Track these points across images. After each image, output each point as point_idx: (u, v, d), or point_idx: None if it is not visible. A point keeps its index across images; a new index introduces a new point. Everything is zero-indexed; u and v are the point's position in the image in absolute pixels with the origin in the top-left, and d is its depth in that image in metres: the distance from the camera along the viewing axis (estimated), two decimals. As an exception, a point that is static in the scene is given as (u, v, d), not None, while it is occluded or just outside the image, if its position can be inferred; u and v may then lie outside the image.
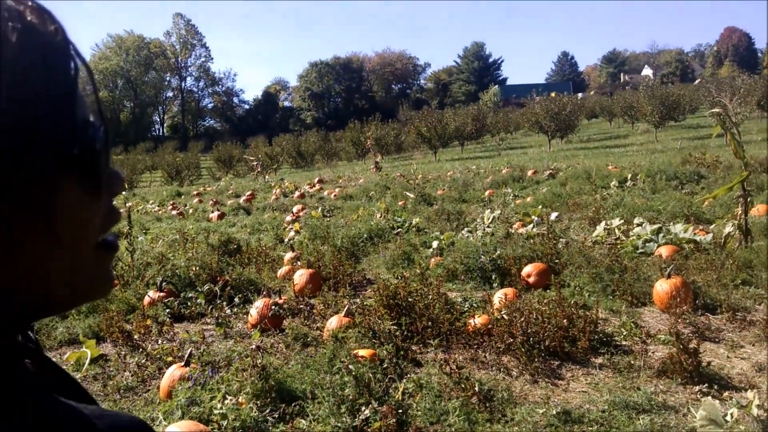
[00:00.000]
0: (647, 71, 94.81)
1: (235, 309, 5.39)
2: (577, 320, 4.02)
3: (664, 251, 5.75)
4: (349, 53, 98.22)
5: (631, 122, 36.70)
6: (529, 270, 5.48)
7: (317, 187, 18.49)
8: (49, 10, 0.51)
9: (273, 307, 4.80)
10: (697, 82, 55.15)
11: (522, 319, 3.91)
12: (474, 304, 4.84)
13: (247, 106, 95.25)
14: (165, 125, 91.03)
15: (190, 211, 14.91)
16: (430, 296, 4.44)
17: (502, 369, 3.80)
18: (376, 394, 3.23)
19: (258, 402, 3.21)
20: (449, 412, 3.06)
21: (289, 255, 7.01)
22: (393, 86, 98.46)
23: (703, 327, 4.21)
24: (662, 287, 4.57)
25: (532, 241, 6.36)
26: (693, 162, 13.12)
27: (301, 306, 5.19)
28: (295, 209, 12.66)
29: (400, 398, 3.20)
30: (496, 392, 3.32)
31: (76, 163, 0.50)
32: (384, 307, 4.39)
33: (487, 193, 12.43)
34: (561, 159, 20.38)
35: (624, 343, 4.06)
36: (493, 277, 5.67)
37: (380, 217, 9.30)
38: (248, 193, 17.70)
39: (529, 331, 3.86)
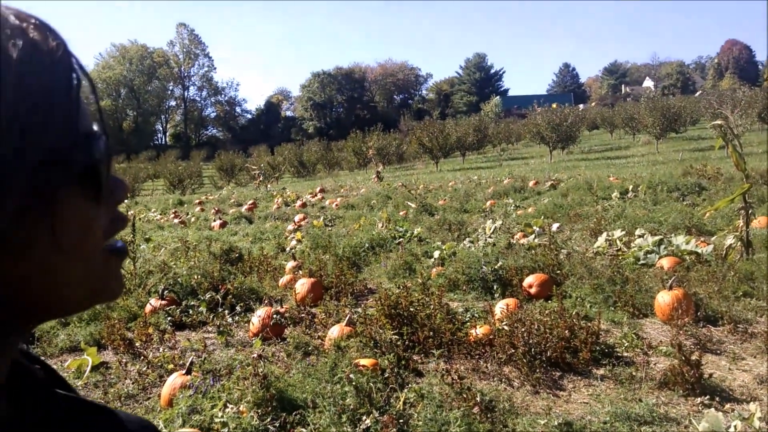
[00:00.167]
0: (648, 83, 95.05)
1: (237, 317, 5.40)
2: (579, 331, 4.02)
3: (666, 263, 5.75)
4: (351, 63, 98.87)
5: (632, 134, 36.78)
6: (531, 281, 5.48)
7: (319, 196, 18.52)
8: (51, 26, 0.52)
9: (274, 315, 4.81)
10: (698, 94, 55.24)
11: (524, 329, 3.91)
12: (475, 315, 4.84)
13: (249, 116, 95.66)
14: (167, 134, 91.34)
15: (192, 219, 14.93)
16: (432, 306, 4.45)
17: (503, 379, 3.80)
18: (377, 403, 3.22)
19: (259, 411, 3.21)
20: (450, 422, 3.06)
21: (290, 264, 7.02)
22: (395, 96, 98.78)
23: (705, 339, 4.21)
24: (664, 299, 4.56)
25: (533, 251, 6.36)
26: (694, 174, 13.14)
27: (303, 315, 5.19)
28: (296, 218, 12.67)
29: (401, 408, 3.19)
30: (498, 403, 3.31)
31: (79, 173, 0.51)
32: (385, 317, 4.39)
33: (488, 203, 12.44)
34: (562, 170, 20.41)
35: (626, 354, 4.05)
36: (495, 287, 5.67)
37: (382, 226, 9.31)
38: (250, 202, 17.72)
39: (530, 341, 3.86)
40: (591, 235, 7.69)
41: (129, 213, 11.59)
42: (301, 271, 6.56)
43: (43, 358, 4.02)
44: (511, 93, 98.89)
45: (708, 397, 3.36)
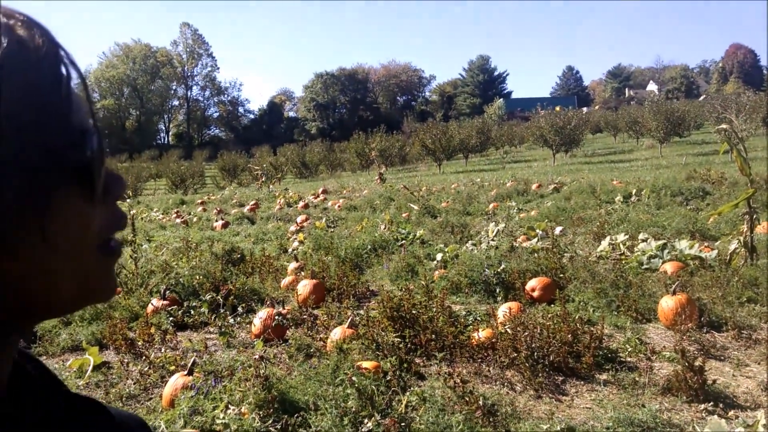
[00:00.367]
0: (652, 86, 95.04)
1: (239, 318, 5.39)
2: (582, 336, 4.01)
3: (669, 267, 5.73)
4: (354, 65, 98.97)
5: (635, 137, 36.78)
6: (534, 284, 5.46)
7: (321, 197, 18.53)
8: (37, 22, 0.51)
9: (276, 317, 4.80)
10: (702, 98, 55.23)
11: (526, 333, 3.89)
12: (478, 318, 4.83)
13: (252, 116, 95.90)
14: (170, 134, 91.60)
15: (194, 219, 14.94)
16: (434, 309, 4.43)
17: (506, 383, 3.78)
18: (379, 406, 3.21)
19: (260, 412, 3.20)
20: (453, 426, 3.04)
21: (293, 265, 7.01)
22: (398, 98, 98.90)
23: (709, 345, 4.19)
24: (667, 304, 4.55)
25: (536, 255, 6.34)
26: (698, 178, 13.12)
27: (305, 316, 5.18)
28: (299, 219, 12.67)
29: (403, 411, 3.18)
30: (500, 407, 3.30)
31: (73, 171, 0.50)
32: (388, 319, 4.38)
33: (491, 206, 12.43)
34: (565, 173, 20.39)
35: (629, 359, 4.04)
36: (498, 290, 5.65)
37: (384, 228, 9.30)
38: (252, 202, 17.73)
39: (533, 345, 3.84)
40: (594, 239, 7.67)
41: (131, 212, 11.59)
42: (303, 273, 6.55)
43: (44, 357, 4.02)
44: (514, 95, 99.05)
45: (711, 403, 3.34)
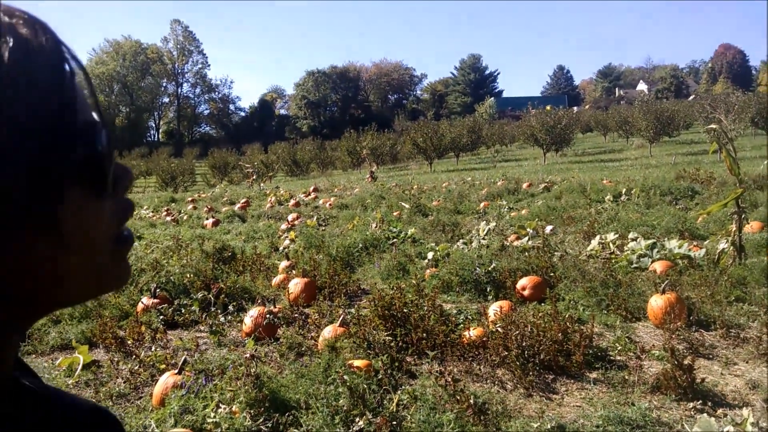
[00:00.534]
0: (642, 86, 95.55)
1: (229, 317, 5.37)
2: (572, 334, 4.03)
3: (659, 266, 5.76)
4: (346, 63, 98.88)
5: (625, 137, 36.95)
6: (524, 283, 5.48)
7: (312, 195, 18.50)
8: (40, 20, 0.51)
9: (267, 315, 4.79)
10: (691, 98, 55.60)
11: (517, 332, 3.91)
12: (469, 316, 4.84)
13: (243, 114, 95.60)
14: (160, 131, 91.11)
15: (185, 217, 14.88)
16: (426, 307, 4.44)
17: (496, 382, 3.80)
18: (370, 405, 3.22)
19: (251, 411, 3.19)
20: (444, 424, 3.05)
21: (284, 263, 7.00)
22: (389, 96, 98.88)
23: (697, 343, 4.22)
24: (657, 303, 4.57)
25: (527, 254, 6.37)
26: (687, 177, 13.21)
27: (296, 315, 5.17)
28: (290, 218, 12.65)
29: (394, 410, 3.19)
30: (491, 405, 3.31)
31: (82, 166, 0.51)
32: (379, 318, 4.38)
33: (482, 204, 12.46)
34: (556, 172, 20.47)
35: (618, 358, 4.06)
36: (488, 289, 5.67)
37: (375, 227, 9.30)
38: (243, 200, 17.68)
39: (524, 344, 3.86)
40: (584, 238, 7.71)
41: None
42: (294, 271, 6.54)
43: (34, 355, 3.99)
44: (505, 94, 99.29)
45: (700, 401, 3.37)
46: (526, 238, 7.63)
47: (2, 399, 0.53)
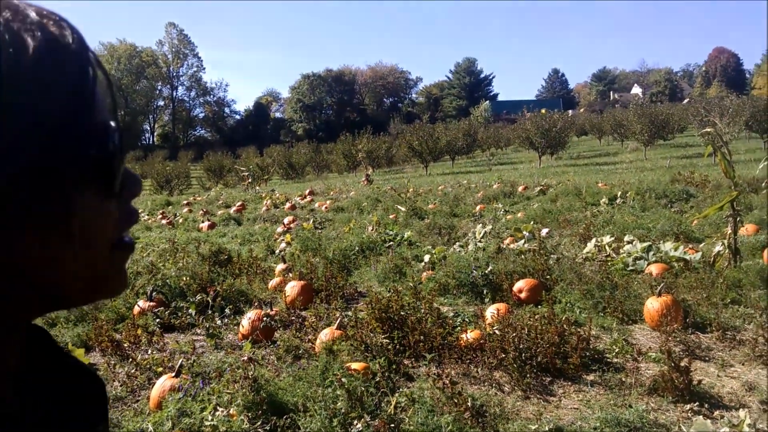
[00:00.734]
0: (636, 90, 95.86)
1: (226, 320, 5.37)
2: (569, 337, 4.04)
3: (655, 269, 5.78)
4: (341, 66, 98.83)
5: (620, 140, 37.02)
6: (521, 285, 5.49)
7: (308, 198, 18.48)
8: (70, 23, 0.53)
9: (264, 318, 4.78)
10: (685, 101, 55.81)
11: (514, 334, 3.92)
12: (466, 319, 4.84)
13: (238, 117, 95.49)
14: (155, 134, 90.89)
15: (180, 220, 14.85)
16: (423, 310, 4.44)
17: (494, 384, 3.80)
18: (368, 407, 3.21)
19: (249, 414, 3.19)
20: (442, 426, 3.05)
21: (280, 266, 6.99)
22: (384, 99, 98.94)
23: (694, 345, 4.24)
24: (653, 305, 4.59)
25: (523, 256, 6.38)
26: (682, 181, 13.25)
27: (293, 318, 5.17)
28: (286, 220, 12.63)
29: (392, 412, 3.19)
30: (489, 408, 3.31)
31: (92, 166, 0.51)
32: (376, 321, 4.38)
33: (478, 207, 12.47)
34: (551, 175, 20.51)
35: (615, 360, 4.07)
36: (485, 292, 5.67)
37: (372, 230, 9.30)
38: (239, 203, 17.65)
39: (521, 346, 3.87)
40: (580, 241, 7.72)
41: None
42: (290, 274, 6.53)
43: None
44: (500, 98, 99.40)
45: (697, 403, 3.38)
46: (523, 241, 7.64)
47: (2, 399, 0.53)
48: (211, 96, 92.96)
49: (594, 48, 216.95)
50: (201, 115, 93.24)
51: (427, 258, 6.91)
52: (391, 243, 8.15)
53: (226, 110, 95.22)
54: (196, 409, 3.21)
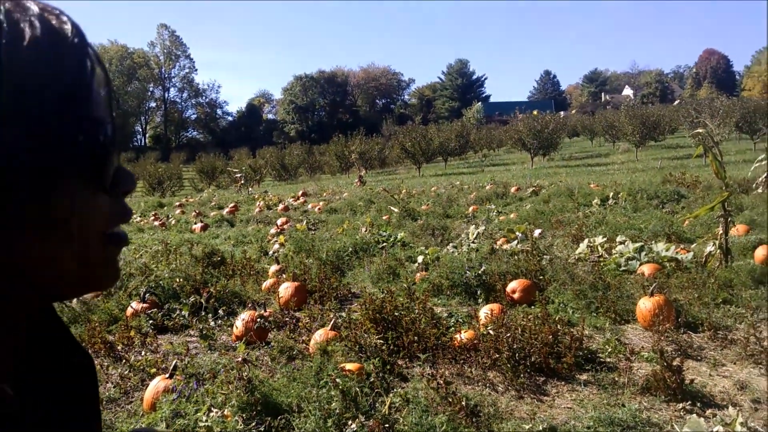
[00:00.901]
0: (628, 91, 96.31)
1: (220, 321, 5.36)
2: (563, 337, 4.05)
3: (647, 269, 5.82)
4: (333, 67, 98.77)
5: (612, 141, 37.22)
6: (514, 286, 5.51)
7: (301, 200, 18.47)
8: (70, 17, 0.54)
9: (258, 319, 4.78)
10: (676, 103, 56.08)
11: (508, 334, 3.93)
12: (460, 319, 4.86)
13: (230, 118, 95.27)
14: (147, 135, 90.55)
15: (173, 222, 14.81)
16: (417, 311, 4.45)
17: (488, 384, 3.81)
18: (363, 408, 3.22)
19: (243, 415, 3.19)
20: (436, 426, 3.06)
21: (274, 267, 6.99)
22: (377, 101, 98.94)
23: (686, 345, 4.26)
24: (645, 305, 4.62)
25: (516, 257, 6.40)
26: (673, 181, 13.33)
27: (287, 319, 5.17)
28: (279, 222, 12.62)
29: (387, 412, 3.19)
30: (483, 407, 3.32)
31: (83, 157, 0.52)
32: (370, 321, 4.38)
33: (471, 208, 12.50)
34: (543, 176, 20.59)
35: (608, 360, 4.09)
36: (478, 292, 5.69)
37: (365, 231, 9.30)
38: (231, 205, 17.62)
39: (515, 346, 3.88)
40: (573, 242, 7.76)
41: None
42: (284, 275, 6.53)
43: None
44: (492, 99, 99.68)
45: (689, 402, 3.40)
46: (516, 242, 7.67)
47: (2, 399, 0.53)
48: (203, 97, 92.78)
49: (585, 50, 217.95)
50: (193, 117, 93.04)
51: (420, 259, 6.92)
52: (385, 244, 8.16)
53: (219, 112, 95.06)
54: (190, 410, 3.21)
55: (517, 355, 3.86)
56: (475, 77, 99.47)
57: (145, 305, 5.49)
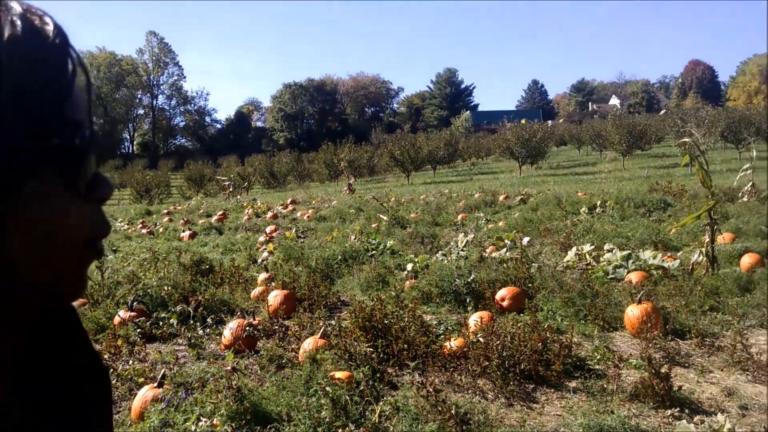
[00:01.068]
0: (614, 101, 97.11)
1: (208, 330, 5.32)
2: (552, 344, 4.07)
3: (634, 277, 5.86)
4: (323, 75, 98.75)
5: (599, 150, 37.45)
6: (503, 294, 5.53)
7: (290, 208, 18.42)
8: (54, 19, 0.54)
9: (247, 327, 4.75)
10: (662, 112, 56.57)
11: (498, 342, 3.94)
12: (449, 327, 4.86)
13: (219, 126, 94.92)
14: (135, 143, 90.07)
15: (161, 230, 14.72)
16: (406, 319, 4.45)
17: (478, 392, 3.82)
18: (352, 416, 3.21)
19: (233, 424, 3.17)
20: (426, 435, 3.06)
21: (263, 276, 6.96)
22: (366, 109, 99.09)
23: (673, 352, 4.29)
24: (633, 312, 4.65)
25: (505, 265, 6.42)
26: (660, 190, 13.44)
27: (276, 327, 5.15)
28: (268, 230, 12.58)
29: (377, 421, 3.19)
30: (473, 415, 3.32)
31: (56, 158, 0.51)
32: (360, 329, 4.38)
33: (459, 216, 12.53)
34: (531, 185, 20.69)
35: (597, 367, 4.11)
36: (468, 300, 5.70)
37: (354, 239, 9.30)
38: (220, 212, 17.54)
39: (504, 354, 3.89)
40: (561, 249, 7.80)
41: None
42: (273, 283, 6.51)
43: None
44: (481, 108, 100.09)
45: (678, 409, 3.42)
46: (504, 250, 7.70)
47: (2, 399, 0.53)
48: (192, 105, 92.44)
49: (573, 60, 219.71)
50: (181, 124, 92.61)
51: (409, 267, 6.93)
52: (374, 252, 8.16)
53: (207, 119, 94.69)
54: (179, 420, 3.18)
55: (506, 362, 3.87)
56: (463, 86, 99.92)
57: (132, 314, 5.45)
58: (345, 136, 38.05)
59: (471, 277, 5.83)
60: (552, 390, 3.83)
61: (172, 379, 3.90)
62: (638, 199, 12.00)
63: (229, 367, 3.92)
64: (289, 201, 20.44)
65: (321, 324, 4.72)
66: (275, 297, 5.72)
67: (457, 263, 6.44)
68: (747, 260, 6.38)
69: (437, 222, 12.25)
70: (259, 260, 8.51)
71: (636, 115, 40.96)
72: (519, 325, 4.25)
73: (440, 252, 7.96)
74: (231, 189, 27.02)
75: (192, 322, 5.47)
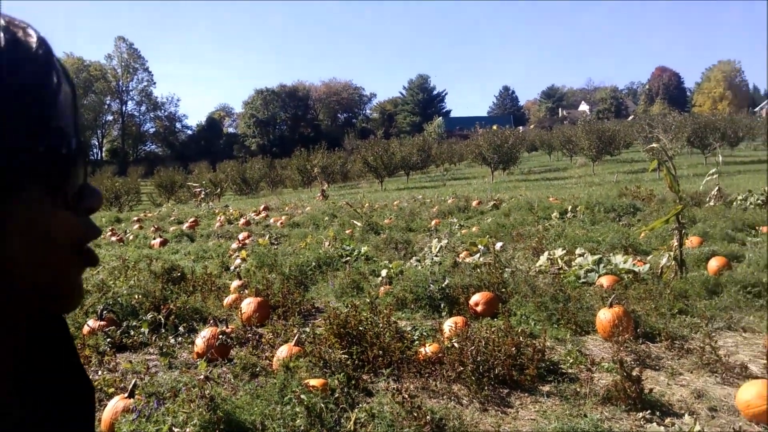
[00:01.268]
0: (584, 107, 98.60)
1: (180, 338, 5.26)
2: (525, 348, 4.10)
3: (605, 281, 5.93)
4: (295, 81, 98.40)
5: (569, 156, 37.97)
6: (477, 299, 5.55)
7: (263, 214, 18.31)
8: (38, 32, 0.54)
9: (220, 336, 4.70)
10: (630, 118, 57.57)
11: (472, 347, 3.96)
12: (424, 333, 4.87)
13: (190, 132, 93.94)
14: (104, 149, 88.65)
15: (131, 237, 14.50)
16: (381, 325, 4.45)
17: (452, 397, 3.83)
18: (328, 424, 3.19)
19: (206, 434, 3.13)
20: (402, 441, 3.05)
21: (235, 283, 6.90)
22: (339, 115, 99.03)
23: (644, 355, 4.36)
24: (605, 316, 4.71)
25: (479, 270, 6.46)
26: (629, 195, 13.67)
27: (249, 335, 5.10)
28: (241, 236, 12.48)
29: (352, 428, 3.17)
30: (448, 421, 3.33)
31: (41, 167, 0.51)
32: (334, 336, 4.36)
33: (433, 222, 12.57)
34: (504, 190, 20.88)
35: (570, 370, 4.15)
36: (442, 305, 5.72)
37: (328, 245, 9.27)
38: (191, 219, 17.35)
39: (479, 359, 3.91)
40: (533, 254, 7.87)
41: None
42: (246, 291, 6.45)
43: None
44: (453, 114, 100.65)
45: (649, 411, 3.47)
46: (478, 255, 7.74)
47: (2, 399, 0.53)
48: (162, 111, 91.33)
49: (543, 66, 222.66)
50: (152, 130, 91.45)
51: (384, 273, 6.93)
52: (348, 258, 8.15)
53: (178, 125, 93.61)
54: (150, 430, 3.13)
55: (481, 367, 3.88)
56: (435, 92, 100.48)
57: (102, 323, 5.35)
58: (318, 142, 37.93)
59: (445, 283, 5.85)
60: (526, 394, 3.85)
61: (144, 389, 3.83)
62: (608, 203, 12.19)
63: (201, 376, 3.87)
64: (261, 207, 20.31)
65: (295, 331, 4.70)
66: (248, 304, 5.67)
67: (432, 269, 6.46)
68: (714, 263, 6.51)
69: (411, 228, 12.28)
70: (232, 267, 8.43)
71: (605, 121, 41.71)
72: (493, 329, 4.27)
73: (414, 258, 7.98)
74: (203, 195, 26.74)
75: (164, 330, 5.39)
